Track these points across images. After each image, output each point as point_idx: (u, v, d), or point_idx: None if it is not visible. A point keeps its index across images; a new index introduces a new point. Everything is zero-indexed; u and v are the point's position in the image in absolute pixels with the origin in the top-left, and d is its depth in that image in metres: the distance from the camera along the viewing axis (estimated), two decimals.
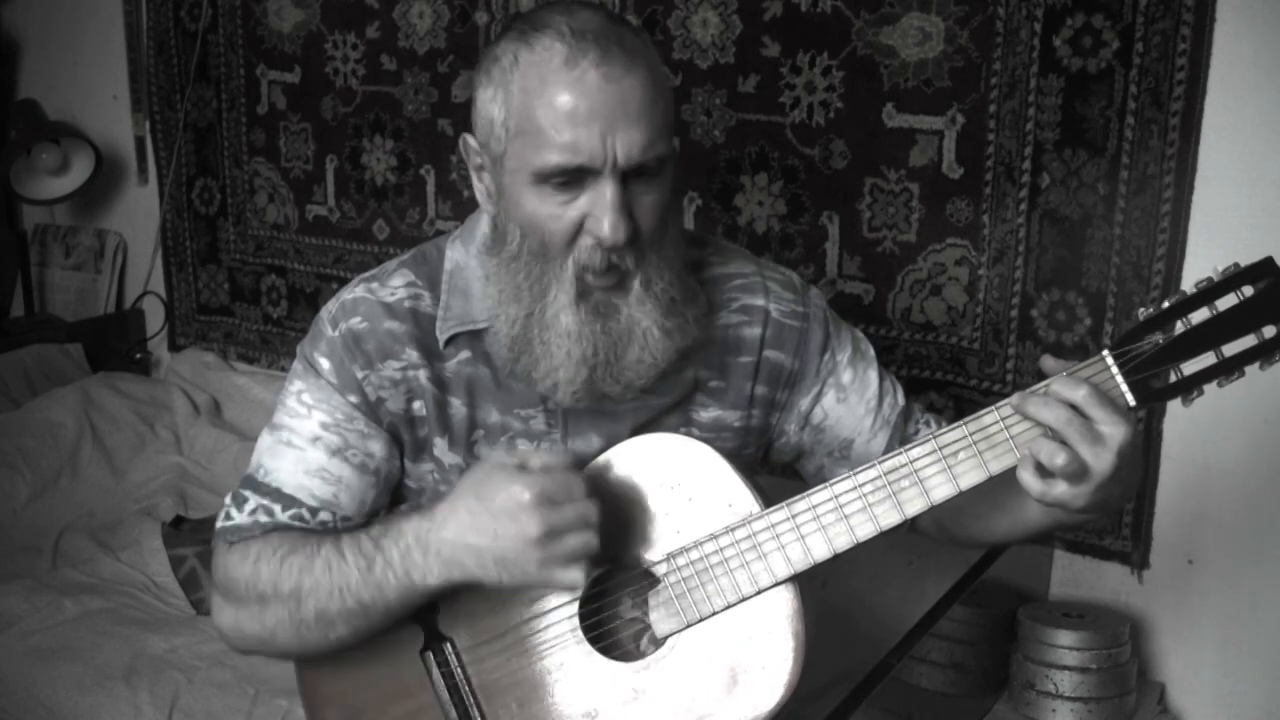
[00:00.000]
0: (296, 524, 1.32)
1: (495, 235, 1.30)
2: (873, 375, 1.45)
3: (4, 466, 2.71)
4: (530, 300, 1.25)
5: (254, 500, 1.33)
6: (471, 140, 1.28)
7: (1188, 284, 1.91)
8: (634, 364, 1.27)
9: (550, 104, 1.17)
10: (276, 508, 1.32)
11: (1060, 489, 1.17)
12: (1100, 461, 1.15)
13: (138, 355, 3.23)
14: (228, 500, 1.35)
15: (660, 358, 1.28)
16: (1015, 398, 1.19)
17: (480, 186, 1.30)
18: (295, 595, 1.28)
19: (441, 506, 1.24)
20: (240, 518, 1.33)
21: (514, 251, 1.26)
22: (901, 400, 1.46)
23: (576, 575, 1.21)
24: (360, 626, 1.28)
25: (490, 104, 1.23)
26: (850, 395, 1.43)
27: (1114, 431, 1.15)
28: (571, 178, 1.19)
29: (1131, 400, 1.19)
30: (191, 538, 2.46)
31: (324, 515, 1.33)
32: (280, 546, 1.30)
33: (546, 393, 1.30)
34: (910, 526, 1.43)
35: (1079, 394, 1.16)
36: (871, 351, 1.47)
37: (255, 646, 1.35)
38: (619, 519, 1.30)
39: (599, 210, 1.20)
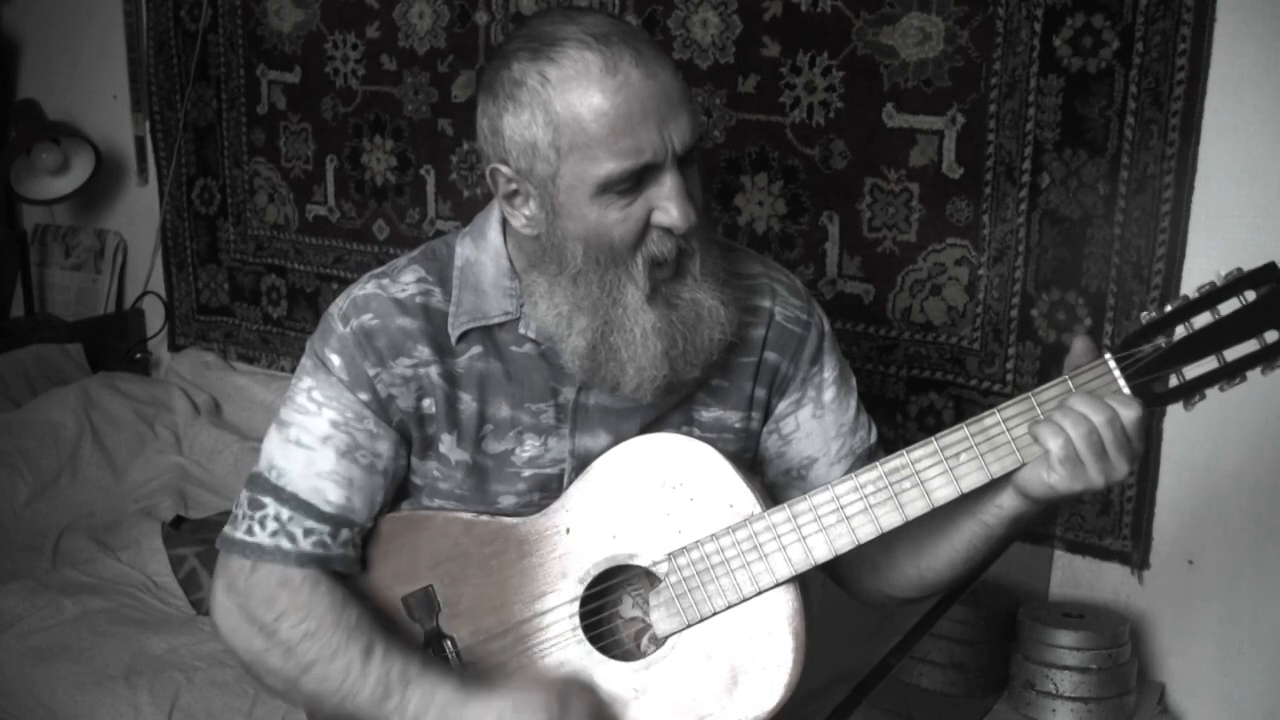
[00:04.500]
0: (319, 553, 1.31)
1: (546, 255, 1.28)
2: (852, 404, 1.45)
3: (4, 466, 2.71)
4: (607, 307, 1.26)
5: (272, 507, 1.32)
6: (504, 168, 1.26)
7: (1188, 284, 1.94)
8: (706, 343, 1.29)
9: (603, 114, 1.18)
10: (298, 531, 1.31)
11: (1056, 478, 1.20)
12: (1097, 477, 1.19)
13: (138, 355, 3.23)
14: (243, 502, 1.34)
15: (728, 331, 1.30)
16: (1022, 407, 1.21)
17: (517, 213, 1.29)
18: (302, 668, 1.30)
19: (478, 694, 1.27)
20: (262, 537, 1.32)
21: (578, 266, 1.25)
22: (873, 439, 1.47)
23: None
24: None
25: (529, 128, 1.22)
26: (827, 414, 1.43)
27: (1120, 464, 1.20)
28: (634, 180, 1.21)
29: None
30: (191, 538, 2.46)
31: (344, 533, 1.33)
32: (310, 615, 1.30)
33: (631, 393, 1.30)
34: (841, 583, 1.47)
35: (1100, 418, 1.18)
36: (855, 383, 1.48)
37: (239, 658, 1.36)
38: (621, 518, 1.30)
39: (666, 201, 1.22)
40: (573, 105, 1.19)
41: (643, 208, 1.22)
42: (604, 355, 1.27)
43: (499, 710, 1.24)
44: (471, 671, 1.33)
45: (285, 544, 1.31)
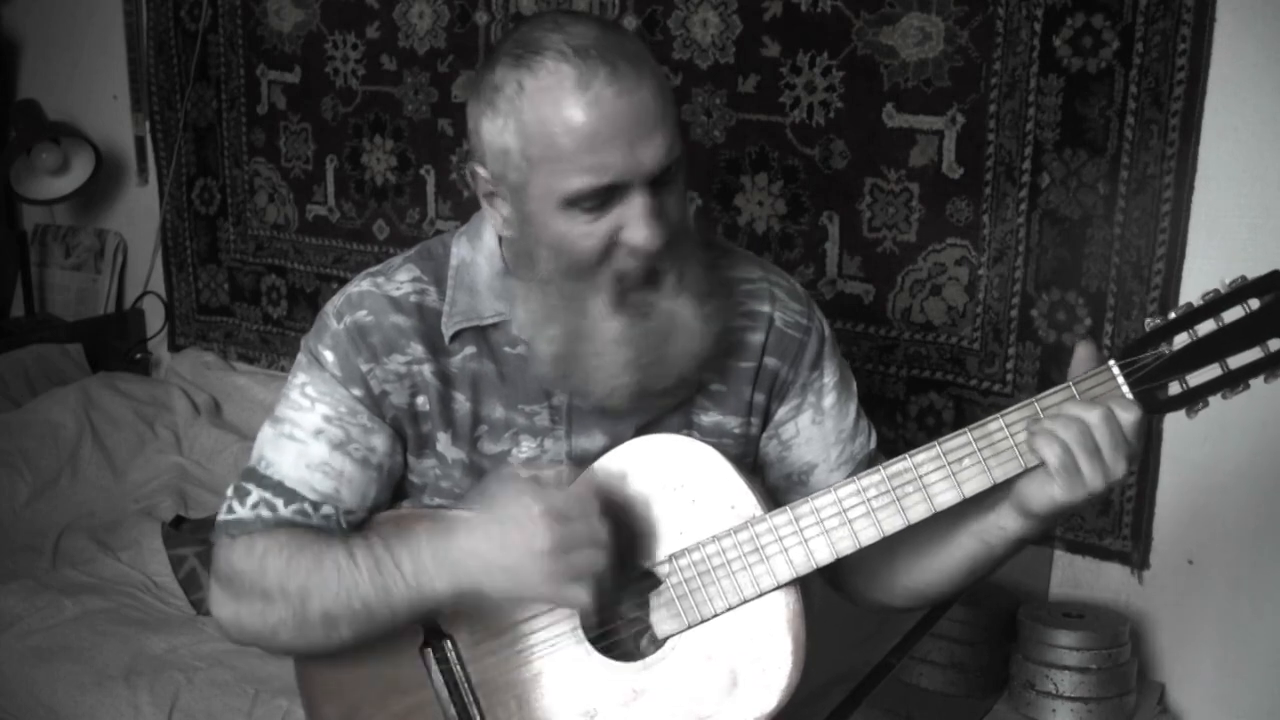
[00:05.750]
0: (299, 519, 1.32)
1: (519, 259, 1.29)
2: (852, 409, 1.45)
3: (4, 466, 2.71)
4: (570, 318, 1.25)
5: (256, 493, 1.33)
6: (481, 170, 1.27)
7: (1188, 284, 1.94)
8: (679, 355, 1.28)
9: (571, 129, 1.17)
10: (279, 502, 1.32)
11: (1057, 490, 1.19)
12: (1096, 480, 1.18)
13: (138, 355, 3.23)
14: (229, 493, 1.35)
15: (705, 344, 1.28)
16: (1025, 412, 1.21)
17: (494, 213, 1.29)
18: (301, 595, 1.28)
19: (456, 516, 1.25)
20: (242, 511, 1.33)
21: (546, 274, 1.25)
22: (873, 445, 1.46)
23: (582, 594, 1.21)
24: (364, 630, 1.29)
25: (502, 135, 1.21)
26: (827, 420, 1.43)
27: (1117, 464, 1.19)
28: (601, 198, 1.19)
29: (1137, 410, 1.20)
30: (191, 538, 2.46)
31: (326, 509, 1.33)
32: (287, 545, 1.30)
33: (601, 400, 1.29)
34: (837, 587, 1.45)
35: (1093, 417, 1.18)
36: (856, 388, 1.47)
37: (253, 641, 1.35)
38: (622, 519, 1.30)
39: (633, 222, 1.20)
40: (543, 118, 1.18)
41: (610, 225, 1.21)
42: (569, 365, 1.27)
43: (487, 527, 1.22)
44: (468, 657, 1.33)
45: (265, 513, 1.32)
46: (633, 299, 1.25)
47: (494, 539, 1.21)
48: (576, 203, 1.20)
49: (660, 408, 1.35)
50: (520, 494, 1.21)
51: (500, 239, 1.35)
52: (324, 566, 1.27)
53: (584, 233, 1.21)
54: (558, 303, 1.25)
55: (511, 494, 1.22)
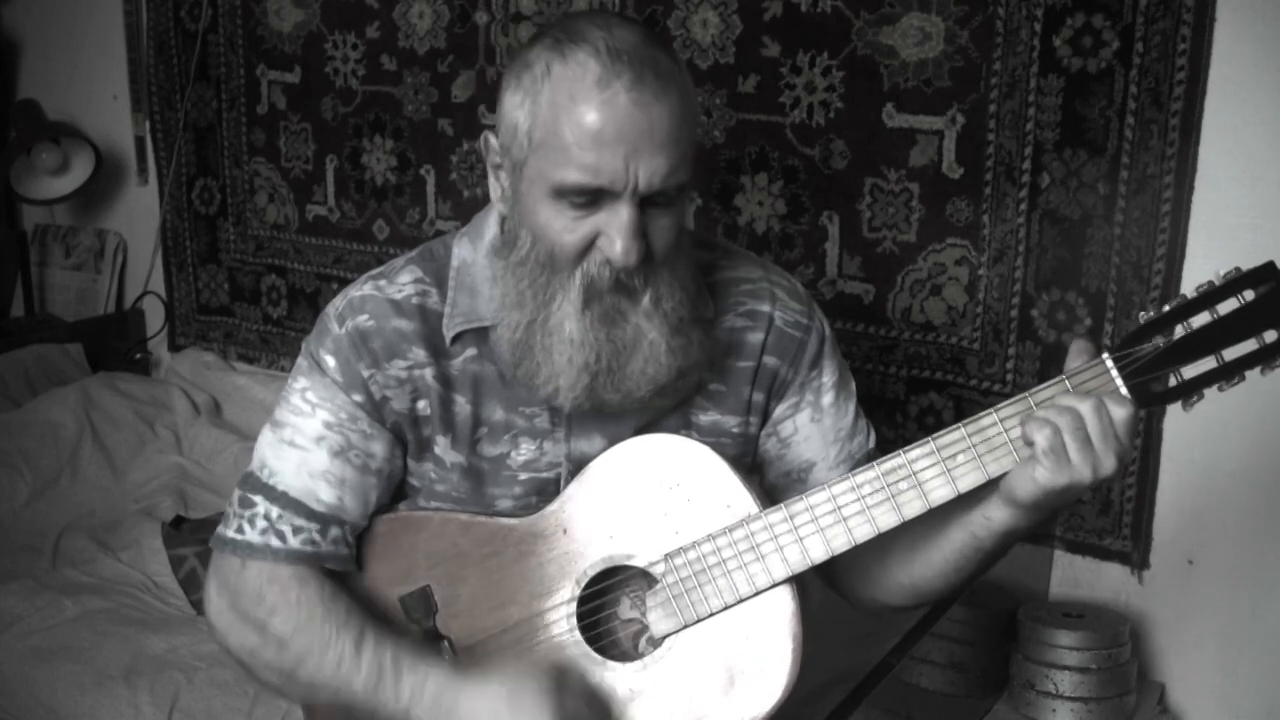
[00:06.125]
0: (308, 549, 1.32)
1: (505, 238, 1.30)
2: (851, 409, 1.45)
3: (4, 466, 2.71)
4: (534, 307, 1.25)
5: (262, 506, 1.32)
6: (493, 139, 1.28)
7: (1188, 284, 1.94)
8: (636, 374, 1.27)
9: (577, 122, 1.17)
10: (287, 529, 1.31)
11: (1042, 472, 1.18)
12: (1083, 469, 1.17)
13: (138, 355, 3.23)
14: (235, 501, 1.35)
15: (663, 373, 1.27)
16: (1019, 407, 1.21)
17: (496, 184, 1.30)
18: (297, 659, 1.30)
19: (472, 681, 1.26)
20: (251, 534, 1.32)
21: (522, 257, 1.25)
22: (872, 444, 1.46)
23: None
24: (339, 708, 1.32)
25: (517, 110, 1.22)
26: (825, 418, 1.43)
27: (1106, 458, 1.18)
28: (589, 197, 1.19)
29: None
30: (191, 538, 2.46)
31: (334, 531, 1.33)
32: (298, 612, 1.30)
33: (547, 398, 1.30)
34: (835, 587, 1.46)
35: (1085, 407, 1.17)
36: (854, 388, 1.47)
37: (233, 655, 1.36)
38: (618, 519, 1.30)
39: (613, 231, 1.20)
40: (556, 104, 1.18)
41: (591, 228, 1.21)
42: (523, 353, 1.27)
43: (494, 696, 1.24)
44: (466, 659, 1.33)
45: (274, 542, 1.31)
46: (606, 303, 1.24)
47: (500, 707, 1.23)
48: (564, 195, 1.20)
49: (658, 409, 1.35)
50: (542, 698, 1.23)
51: (502, 225, 1.35)
52: (328, 651, 1.29)
53: (565, 227, 1.21)
54: (527, 289, 1.25)
55: (533, 693, 1.23)
